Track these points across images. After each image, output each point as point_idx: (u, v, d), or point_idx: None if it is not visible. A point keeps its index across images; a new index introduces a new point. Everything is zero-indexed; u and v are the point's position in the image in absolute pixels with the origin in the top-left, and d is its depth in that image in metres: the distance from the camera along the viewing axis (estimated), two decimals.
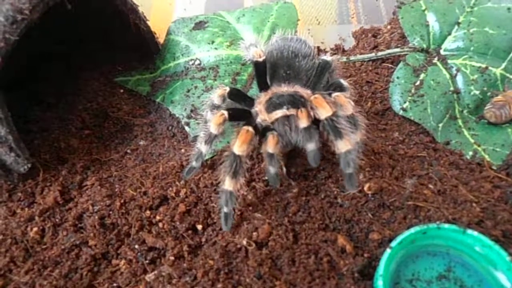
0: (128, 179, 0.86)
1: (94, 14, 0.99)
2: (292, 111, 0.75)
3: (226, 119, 0.75)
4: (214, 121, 0.74)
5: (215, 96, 0.83)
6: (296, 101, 0.77)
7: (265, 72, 0.88)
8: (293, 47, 0.88)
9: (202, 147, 0.77)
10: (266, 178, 0.78)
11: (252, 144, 0.72)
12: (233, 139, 0.72)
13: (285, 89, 0.82)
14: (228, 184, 0.70)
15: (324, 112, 0.69)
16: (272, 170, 0.73)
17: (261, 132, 0.76)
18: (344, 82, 0.82)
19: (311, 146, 0.71)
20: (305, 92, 0.81)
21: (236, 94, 0.84)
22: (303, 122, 0.71)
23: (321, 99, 0.71)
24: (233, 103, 0.84)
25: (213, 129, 0.75)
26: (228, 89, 0.82)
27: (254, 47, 0.86)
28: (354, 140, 0.70)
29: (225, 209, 0.72)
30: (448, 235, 0.68)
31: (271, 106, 0.78)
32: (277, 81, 0.85)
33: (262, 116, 0.79)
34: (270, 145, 0.71)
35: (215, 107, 0.84)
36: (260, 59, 0.85)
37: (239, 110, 0.82)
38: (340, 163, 0.69)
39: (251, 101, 0.85)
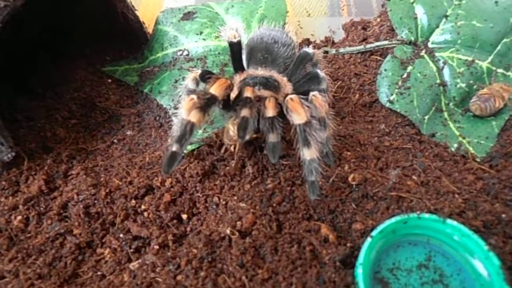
0: (114, 169, 0.86)
1: (81, 3, 0.99)
2: (262, 92, 0.75)
3: (196, 103, 0.72)
4: (184, 107, 0.70)
5: (189, 81, 0.82)
6: (270, 84, 0.77)
7: (240, 53, 0.88)
8: (274, 35, 0.89)
9: None
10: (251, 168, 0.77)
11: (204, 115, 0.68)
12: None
13: (261, 72, 0.82)
14: (176, 147, 0.65)
15: (298, 118, 0.68)
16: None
17: (233, 108, 0.75)
18: (321, 73, 0.82)
19: (271, 137, 0.70)
20: (280, 78, 0.82)
21: (208, 77, 0.82)
22: (269, 112, 0.70)
23: (297, 103, 0.69)
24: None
25: (185, 115, 0.71)
26: (199, 71, 0.82)
27: (230, 29, 0.87)
28: (320, 138, 0.70)
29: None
30: (428, 225, 0.68)
31: (244, 86, 0.78)
32: (254, 64, 0.86)
33: (233, 95, 0.79)
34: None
35: (190, 92, 0.82)
36: (235, 40, 0.86)
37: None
38: (304, 170, 0.70)
39: None
